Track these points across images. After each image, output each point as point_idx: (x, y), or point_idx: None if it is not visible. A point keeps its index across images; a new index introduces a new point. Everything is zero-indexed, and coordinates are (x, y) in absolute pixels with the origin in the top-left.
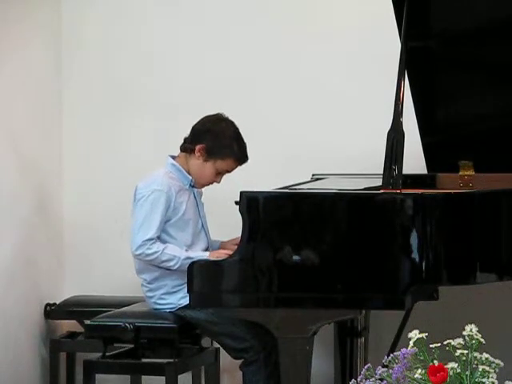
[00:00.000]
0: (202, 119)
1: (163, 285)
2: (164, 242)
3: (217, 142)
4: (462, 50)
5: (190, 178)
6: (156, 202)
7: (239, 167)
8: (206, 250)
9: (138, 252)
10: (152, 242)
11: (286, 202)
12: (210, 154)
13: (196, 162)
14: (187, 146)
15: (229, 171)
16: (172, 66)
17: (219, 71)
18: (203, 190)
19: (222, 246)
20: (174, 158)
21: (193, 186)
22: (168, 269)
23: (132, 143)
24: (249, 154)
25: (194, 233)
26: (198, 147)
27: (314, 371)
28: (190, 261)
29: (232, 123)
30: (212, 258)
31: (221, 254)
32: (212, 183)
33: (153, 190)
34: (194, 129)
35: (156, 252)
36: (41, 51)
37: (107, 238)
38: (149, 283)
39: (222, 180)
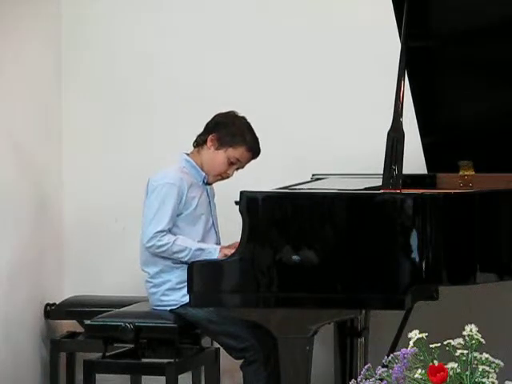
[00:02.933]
0: (215, 115)
1: (167, 280)
2: (175, 235)
3: (228, 130)
4: (462, 50)
5: (204, 174)
6: (168, 195)
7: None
8: None
9: (149, 244)
10: (163, 234)
11: (285, 202)
12: (221, 143)
13: (208, 151)
14: (199, 139)
15: (241, 162)
16: (172, 65)
17: (219, 71)
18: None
19: None
20: (187, 154)
21: (206, 184)
22: (180, 262)
23: (132, 143)
24: None
25: (204, 229)
26: (209, 137)
27: (314, 371)
28: (201, 252)
29: (244, 118)
30: (221, 256)
31: (231, 251)
32: (224, 176)
33: (165, 183)
34: (207, 124)
35: (167, 243)
36: (41, 51)
37: (107, 238)
38: (152, 277)
39: (223, 180)
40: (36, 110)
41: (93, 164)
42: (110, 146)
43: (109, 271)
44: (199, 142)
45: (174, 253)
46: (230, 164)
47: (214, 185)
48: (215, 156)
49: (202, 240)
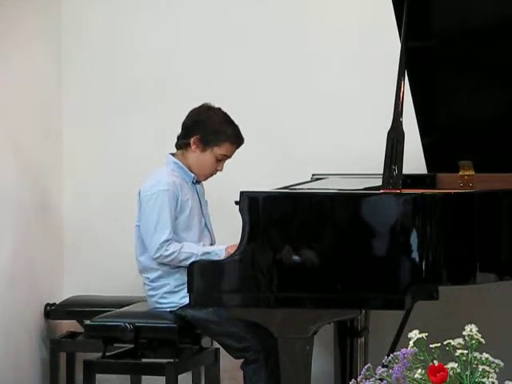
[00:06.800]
0: (189, 113)
1: (165, 284)
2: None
3: (209, 129)
4: (462, 50)
5: (193, 175)
6: (164, 203)
7: (239, 168)
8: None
9: (156, 255)
10: (168, 243)
11: (285, 202)
12: (205, 144)
13: (193, 154)
14: (181, 142)
15: (228, 156)
16: (172, 65)
17: (219, 70)
18: (205, 186)
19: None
20: (173, 155)
21: (195, 183)
22: (178, 266)
23: (132, 143)
24: (249, 155)
25: (199, 231)
26: (192, 140)
27: (314, 371)
28: (208, 255)
29: (219, 109)
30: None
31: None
32: (215, 173)
33: (158, 191)
34: (184, 124)
35: (174, 252)
36: (41, 51)
37: (107, 238)
38: (151, 282)
39: (222, 180)
40: (36, 110)
41: (93, 164)
42: (109, 146)
43: (109, 271)
44: (182, 145)
45: (182, 260)
46: (218, 161)
47: (213, 184)
48: (202, 158)
49: (199, 241)
